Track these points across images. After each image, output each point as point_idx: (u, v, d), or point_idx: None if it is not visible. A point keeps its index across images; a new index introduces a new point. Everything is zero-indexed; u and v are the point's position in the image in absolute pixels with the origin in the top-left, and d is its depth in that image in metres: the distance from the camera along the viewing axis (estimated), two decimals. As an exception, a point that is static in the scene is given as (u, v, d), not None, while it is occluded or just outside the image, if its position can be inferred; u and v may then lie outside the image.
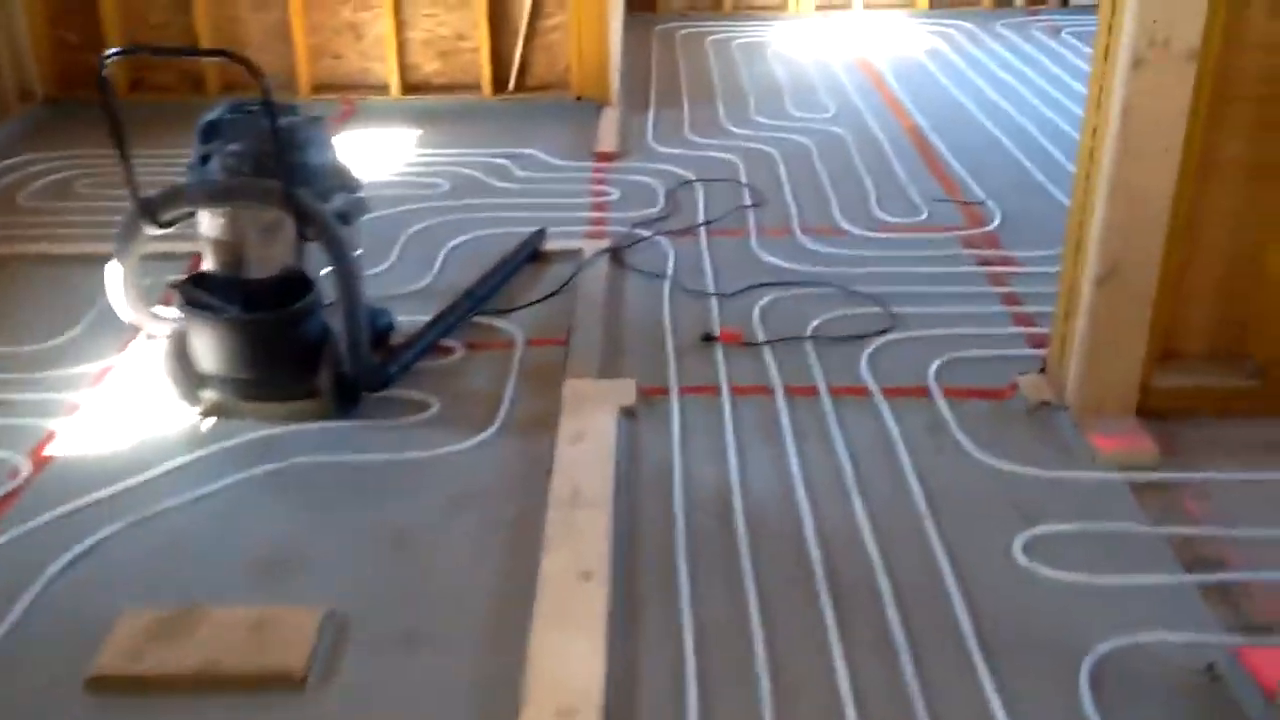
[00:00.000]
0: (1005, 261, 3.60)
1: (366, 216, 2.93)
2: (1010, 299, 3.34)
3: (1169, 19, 2.31)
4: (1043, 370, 2.86)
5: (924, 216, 3.96)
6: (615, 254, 3.66)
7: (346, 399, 2.71)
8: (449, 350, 3.07)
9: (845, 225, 3.91)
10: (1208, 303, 2.74)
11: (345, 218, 2.68)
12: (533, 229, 3.75)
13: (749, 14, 7.15)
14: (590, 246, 3.68)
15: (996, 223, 3.88)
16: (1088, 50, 6.14)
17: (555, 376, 2.91)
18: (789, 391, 2.87)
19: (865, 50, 6.36)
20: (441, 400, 2.82)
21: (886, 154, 4.62)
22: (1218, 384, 2.72)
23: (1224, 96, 2.50)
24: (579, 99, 5.20)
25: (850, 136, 4.85)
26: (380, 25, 5.20)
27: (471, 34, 5.22)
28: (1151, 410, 2.69)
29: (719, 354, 3.05)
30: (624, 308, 3.34)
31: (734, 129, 4.99)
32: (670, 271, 3.56)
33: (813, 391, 2.87)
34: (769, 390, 2.88)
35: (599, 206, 4.12)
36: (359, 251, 2.73)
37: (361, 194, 2.81)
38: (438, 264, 3.61)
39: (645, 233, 3.84)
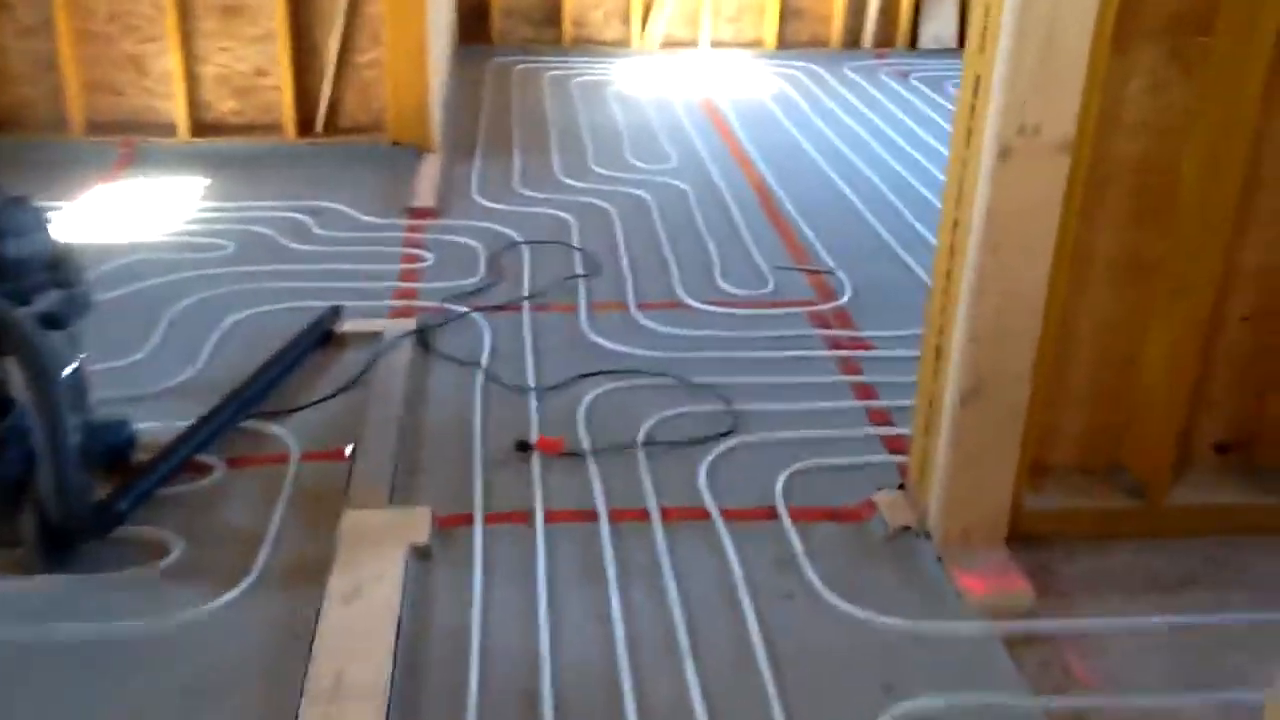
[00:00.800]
0: (857, 344, 3.26)
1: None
2: (864, 392, 2.99)
3: (1040, 103, 1.98)
4: (902, 486, 2.51)
5: (770, 289, 3.60)
6: (422, 336, 3.18)
7: (56, 549, 2.16)
8: (205, 469, 2.54)
9: (685, 298, 3.52)
10: (1079, 409, 2.43)
11: (56, 321, 2.14)
12: (326, 306, 3.25)
13: (591, 49, 6.76)
14: (393, 327, 3.19)
15: (847, 296, 3.55)
16: (936, 97, 5.95)
17: (334, 504, 2.42)
18: (615, 517, 2.44)
19: (710, 91, 6.04)
20: (186, 541, 2.29)
21: (731, 212, 4.27)
22: (1094, 504, 2.41)
23: (1096, 186, 2.20)
24: (396, 144, 4.70)
25: (693, 191, 4.48)
26: (166, 60, 4.61)
27: (273, 69, 4.67)
28: (1023, 534, 2.36)
29: (536, 467, 2.61)
30: (427, 407, 2.87)
31: (569, 180, 4.57)
32: (485, 358, 3.10)
33: (643, 516, 2.45)
34: (592, 515, 2.45)
35: (409, 275, 3.63)
36: (75, 363, 2.20)
37: (84, 288, 2.27)
38: (207, 351, 3.07)
39: (460, 309, 3.37)
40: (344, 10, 4.62)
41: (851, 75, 6.43)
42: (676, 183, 4.57)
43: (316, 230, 3.93)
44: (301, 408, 2.82)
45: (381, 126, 4.75)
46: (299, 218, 4.03)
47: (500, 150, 4.93)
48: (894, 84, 6.25)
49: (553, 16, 6.76)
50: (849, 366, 3.13)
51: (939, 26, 6.87)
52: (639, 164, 4.81)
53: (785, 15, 6.82)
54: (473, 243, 3.88)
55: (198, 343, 3.10)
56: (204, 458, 2.56)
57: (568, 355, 3.14)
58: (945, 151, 5.21)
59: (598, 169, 4.72)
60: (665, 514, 2.45)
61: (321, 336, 3.12)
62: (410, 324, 3.21)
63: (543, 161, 4.80)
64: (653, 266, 3.75)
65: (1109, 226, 2.27)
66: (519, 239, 3.91)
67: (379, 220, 4.06)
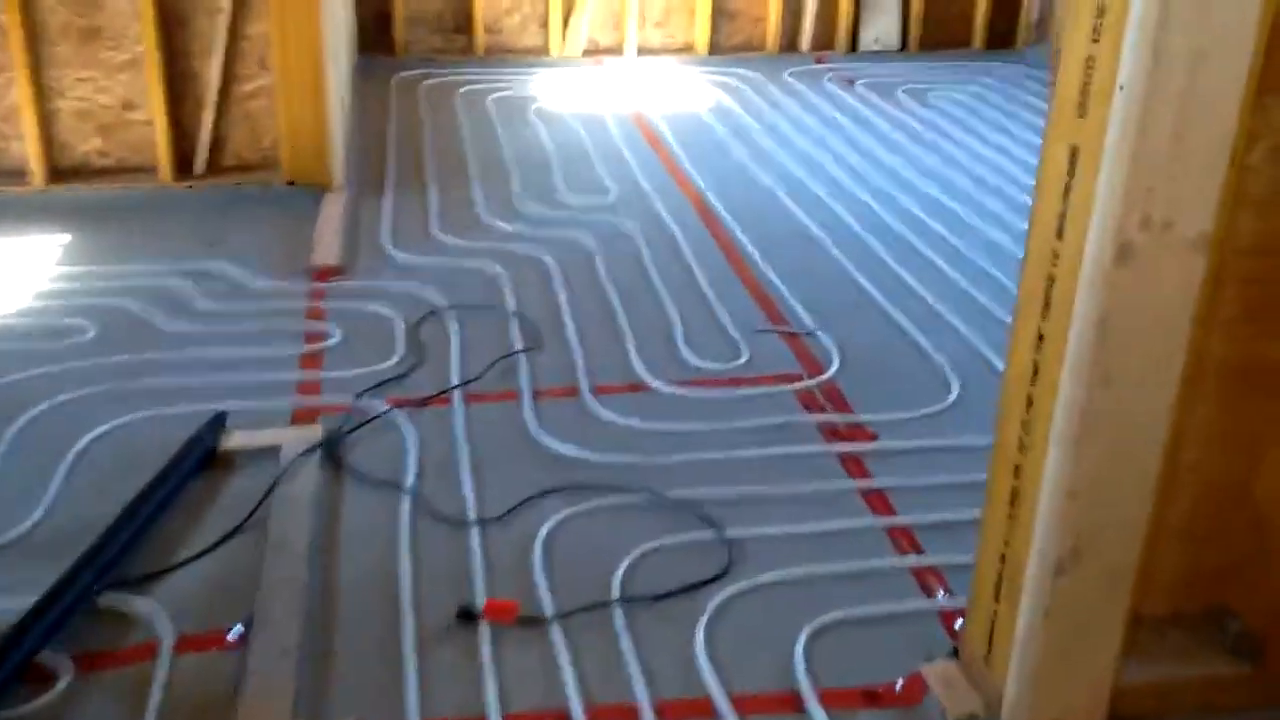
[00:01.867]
0: (857, 431, 2.73)
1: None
2: (878, 502, 2.47)
3: (1174, 187, 1.46)
4: (955, 652, 1.99)
5: (744, 359, 3.06)
6: (331, 449, 2.57)
7: None
8: (46, 677, 1.91)
9: (647, 378, 2.95)
10: (1179, 547, 1.94)
11: None
12: (209, 414, 2.62)
13: (506, 59, 6.14)
14: (294, 439, 2.57)
15: (835, 366, 3.02)
16: (888, 107, 5.47)
17: (221, 718, 1.82)
18: (595, 718, 1.88)
19: (641, 104, 5.48)
20: (14, 808, 1.68)
21: (685, 256, 3.71)
22: (1200, 671, 1.92)
23: (1214, 283, 1.70)
24: (291, 183, 4.05)
25: (639, 231, 3.91)
26: (13, 93, 3.89)
27: (143, 102, 3.98)
28: (1120, 717, 1.86)
29: (485, 645, 2.03)
30: (340, 556, 2.26)
31: (495, 222, 3.97)
32: (411, 476, 2.51)
33: (631, 715, 1.90)
34: (564, 718, 1.88)
35: (312, 359, 3.00)
36: None
37: None
38: (55, 486, 2.42)
39: (376, 406, 2.77)
40: (225, 31, 3.95)
41: (792, 82, 5.91)
42: (619, 221, 4.00)
43: (198, 302, 3.28)
44: (176, 567, 2.19)
45: (274, 164, 4.10)
46: (177, 285, 3.37)
47: (413, 185, 4.31)
48: (840, 92, 5.75)
49: (463, 23, 6.12)
50: (853, 466, 2.59)
51: (880, 28, 6.39)
52: (573, 199, 4.22)
53: (717, 18, 6.28)
54: (387, 311, 3.26)
55: (44, 474, 2.44)
56: (45, 657, 1.93)
57: (513, 465, 2.56)
58: (911, 176, 4.76)
59: (527, 206, 4.13)
60: (660, 711, 1.90)
61: (202, 457, 2.49)
62: (315, 432, 2.60)
63: (462, 198, 4.19)
64: (604, 334, 3.18)
65: (1221, 325, 1.77)
66: (442, 304, 3.31)
67: (274, 284, 3.41)
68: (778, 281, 3.52)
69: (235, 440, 2.56)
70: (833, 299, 3.43)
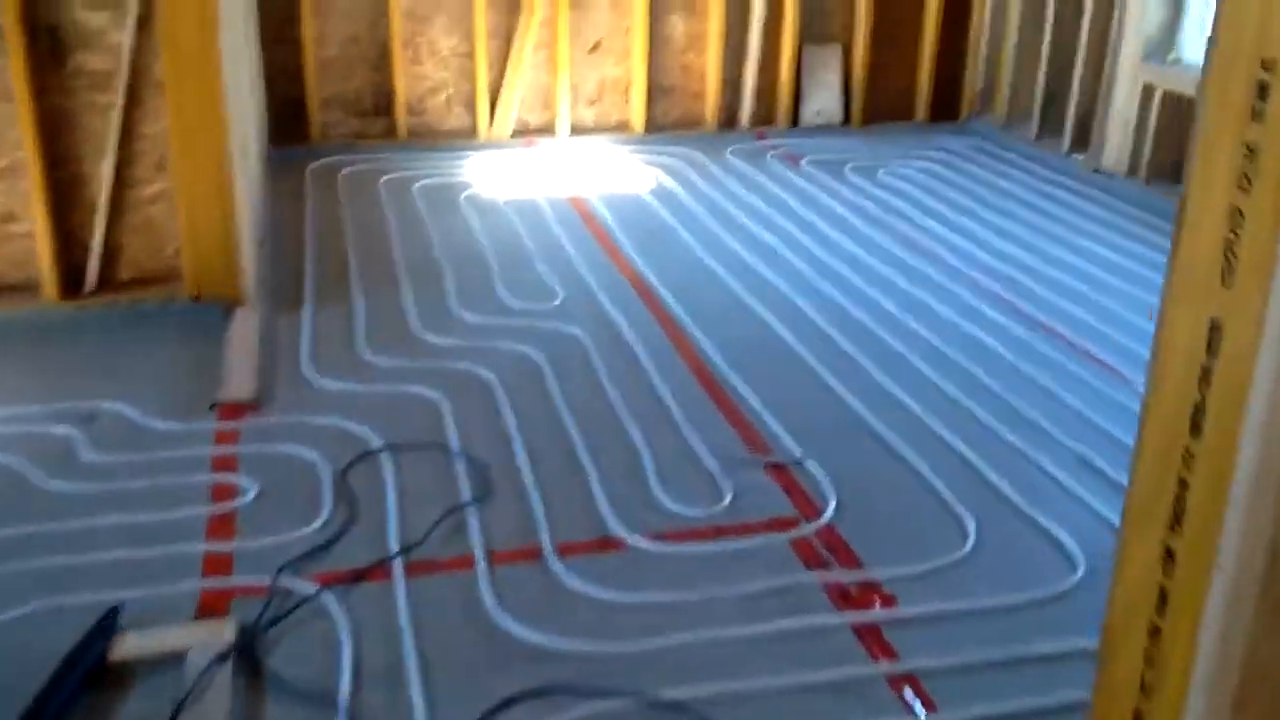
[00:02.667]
0: (872, 593, 2.35)
1: None
2: (911, 689, 2.09)
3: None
4: None
5: (727, 500, 2.68)
6: (247, 652, 2.12)
7: None
8: None
9: (619, 529, 2.55)
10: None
11: None
12: (100, 610, 2.16)
13: (430, 143, 5.76)
14: (202, 641, 2.11)
15: (832, 506, 2.66)
16: (840, 187, 5.19)
17: None
18: None
19: (578, 188, 5.13)
20: None
21: (646, 370, 3.33)
22: None
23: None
24: (197, 298, 3.60)
25: (591, 339, 3.53)
26: None
27: (24, 213, 3.50)
28: None
29: None
30: (262, 808, 1.82)
31: (430, 336, 3.56)
32: (347, 685, 2.07)
33: None
34: None
35: (221, 525, 2.55)
36: None
37: None
38: (-105, 727, 1.95)
39: (301, 587, 2.32)
40: (117, 130, 3.50)
41: (735, 161, 5.62)
42: (568, 328, 3.61)
43: (86, 454, 2.80)
44: (49, 844, 1.73)
45: (176, 276, 3.64)
46: (62, 432, 2.89)
47: (335, 294, 3.88)
48: (786, 171, 5.47)
49: (383, 105, 5.73)
50: (874, 641, 2.21)
51: (822, 101, 6.15)
52: (515, 302, 3.83)
53: (653, 94, 5.98)
54: (310, 454, 2.82)
55: (-121, 710, 1.96)
56: None
57: (470, 661, 2.13)
58: (873, 263, 4.36)
59: (464, 314, 3.72)
60: None
61: (89, 671, 2.03)
62: (227, 629, 2.15)
63: (392, 307, 3.77)
64: (564, 474, 2.78)
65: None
66: (375, 443, 2.88)
67: (176, 426, 2.95)
68: (750, 397, 3.16)
69: (130, 646, 2.10)
70: (815, 416, 3.07)
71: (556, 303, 3.84)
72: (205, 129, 3.44)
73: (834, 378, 3.29)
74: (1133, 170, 5.08)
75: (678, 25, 5.94)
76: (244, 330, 3.46)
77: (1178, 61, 4.98)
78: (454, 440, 2.91)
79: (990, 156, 5.75)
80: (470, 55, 5.73)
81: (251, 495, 2.64)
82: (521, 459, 2.83)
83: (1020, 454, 2.91)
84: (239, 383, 3.13)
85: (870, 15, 6.03)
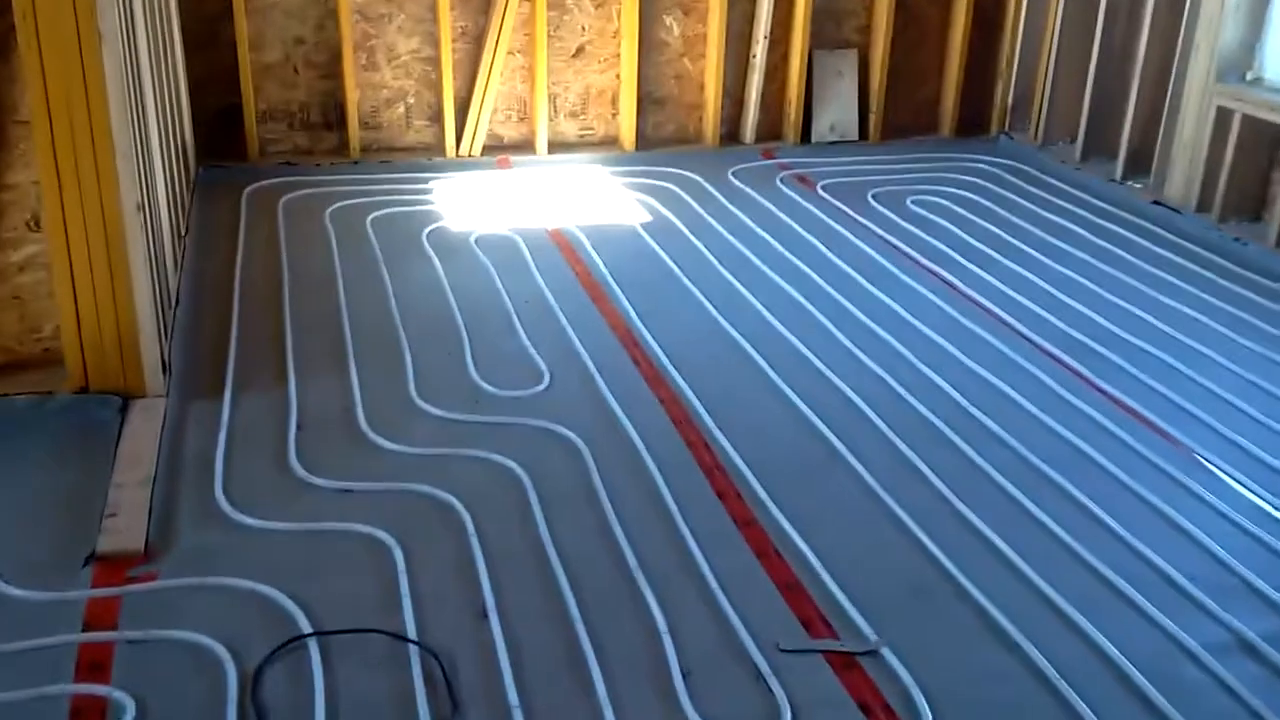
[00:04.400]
0: None
1: None
2: None
3: None
4: None
5: (784, 711, 1.96)
6: None
7: None
8: None
9: (641, 779, 1.84)
10: None
11: None
12: None
13: (389, 161, 4.98)
14: None
15: (930, 726, 1.96)
16: (862, 219, 4.46)
17: None
18: None
19: (560, 218, 4.38)
20: None
21: (660, 496, 2.58)
22: None
23: None
24: (84, 390, 2.83)
25: (586, 445, 2.78)
26: None
27: None
28: None
29: None
30: None
31: (381, 440, 2.80)
32: None
33: None
34: None
35: (78, 780, 1.81)
36: None
37: None
38: None
39: None
40: (-26, 175, 2.73)
41: (740, 185, 4.88)
42: (558, 430, 2.86)
43: (-102, 650, 2.04)
44: None
45: (55, 363, 2.86)
46: None
47: (264, 375, 3.10)
48: (798, 198, 4.74)
49: (332, 117, 4.94)
50: None
51: (836, 115, 5.41)
52: (491, 388, 3.08)
53: (644, 105, 5.22)
54: (211, 643, 2.05)
55: None
56: None
57: None
58: (922, 325, 3.56)
59: (428, 406, 2.97)
60: None
61: None
62: None
63: (336, 396, 3.00)
64: (561, 678, 2.03)
65: None
66: (302, 626, 2.12)
67: (35, 596, 2.17)
68: (799, 540, 2.42)
69: None
70: (888, 573, 2.34)
71: (543, 386, 3.09)
72: (91, 175, 2.66)
73: (906, 512, 2.55)
74: (1203, 206, 4.39)
75: (672, 28, 5.18)
76: (141, 437, 2.69)
77: (1259, 81, 4.29)
78: (408, 617, 2.16)
79: (1029, 181, 5.03)
80: (434, 61, 4.94)
81: (129, 716, 1.89)
82: (499, 647, 2.09)
83: (1172, 640, 2.20)
84: (126, 524, 2.36)
85: (890, 17, 5.29)
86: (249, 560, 2.31)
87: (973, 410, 3.03)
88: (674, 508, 2.54)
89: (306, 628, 2.11)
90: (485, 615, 2.16)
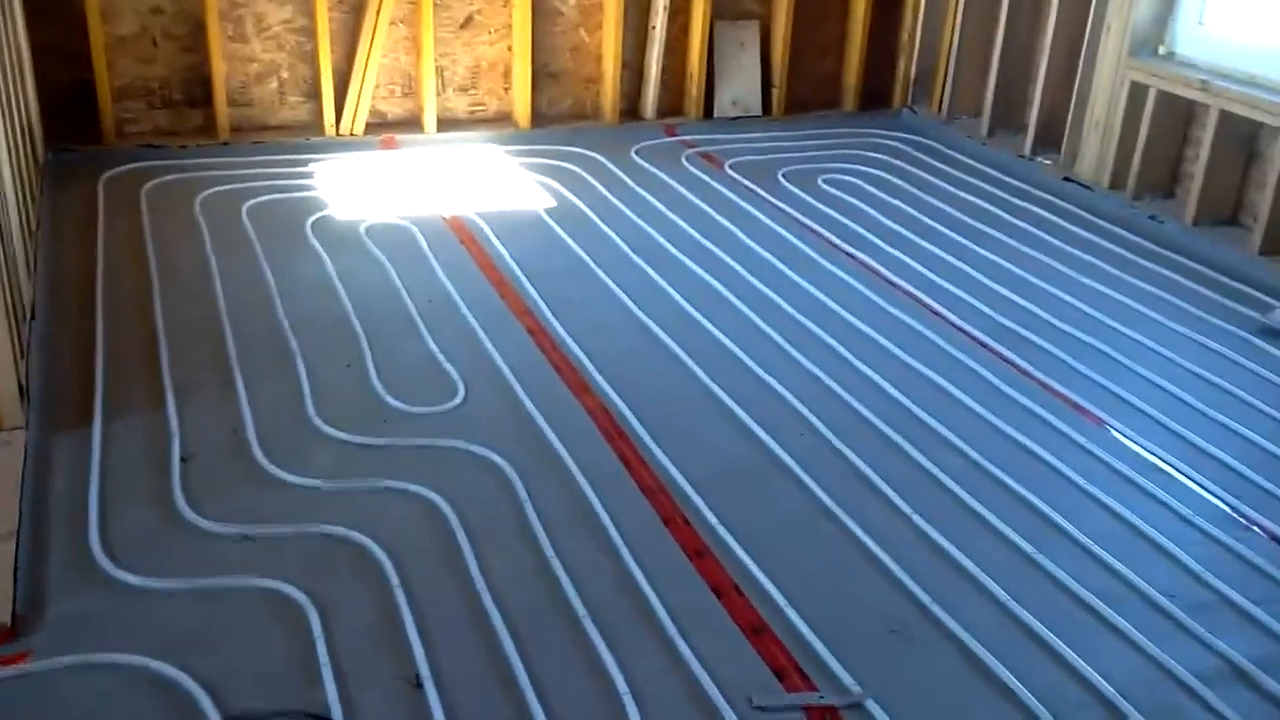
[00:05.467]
0: None
1: None
2: None
3: None
4: None
5: (772, 791, 1.76)
6: None
7: None
8: None
9: None
10: None
11: None
12: None
13: (261, 140, 4.56)
14: None
15: (929, 792, 1.78)
16: (776, 201, 4.27)
17: None
18: None
19: (457, 205, 4.07)
20: None
21: (603, 527, 2.33)
22: None
23: None
24: (-75, 426, 2.44)
25: (513, 469, 2.51)
26: None
27: None
28: None
29: None
30: None
31: (277, 470, 2.47)
32: None
33: None
34: None
35: None
36: None
37: None
38: None
39: None
40: None
41: (644, 165, 4.63)
42: (480, 452, 2.58)
43: None
44: None
45: (-112, 394, 2.46)
46: None
47: (139, 395, 2.73)
48: (706, 177, 4.52)
49: (197, 94, 4.51)
50: None
51: (739, 89, 5.20)
52: (400, 403, 2.78)
53: (538, 80, 4.92)
54: (101, 740, 1.76)
55: None
56: None
57: None
58: (856, 321, 3.30)
59: (329, 429, 2.65)
60: None
61: None
62: None
63: (222, 418, 2.66)
64: (511, 750, 1.80)
65: None
66: (209, 713, 1.82)
67: (-128, 693, 1.84)
68: (759, 574, 2.20)
69: None
70: (861, 609, 2.14)
71: (457, 400, 2.81)
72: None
73: (867, 533, 2.36)
74: (1117, 183, 4.32)
75: (567, -4, 4.90)
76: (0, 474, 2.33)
77: (1170, 56, 4.23)
78: (330, 691, 1.87)
79: (937, 157, 4.91)
80: (309, 31, 4.54)
81: None
82: (434, 711, 1.83)
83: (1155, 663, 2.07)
84: (-18, 596, 2.01)
85: (792, -14, 5.11)
86: (137, 629, 1.99)
87: (915, 410, 2.86)
88: (617, 538, 2.30)
89: (213, 714, 1.80)
90: (419, 684, 1.90)
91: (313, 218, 3.91)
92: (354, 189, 4.20)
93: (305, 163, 4.43)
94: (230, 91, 4.54)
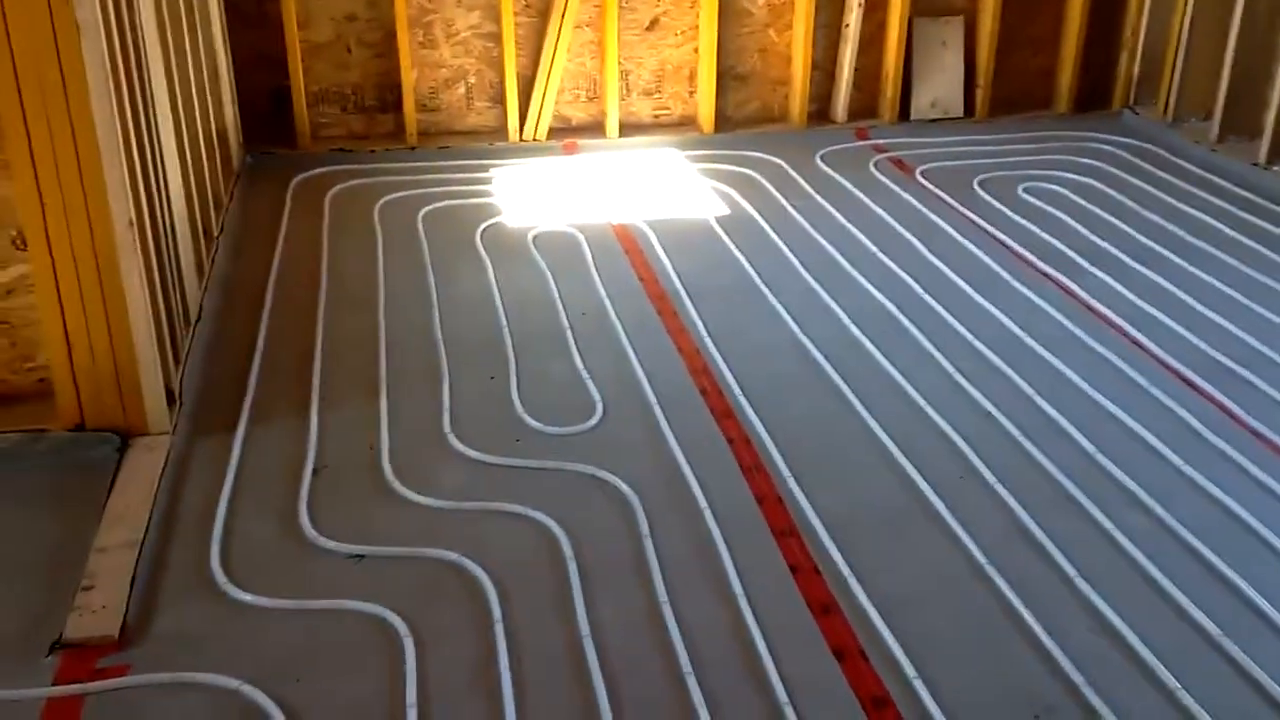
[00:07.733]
0: None
1: None
2: None
3: None
4: None
5: None
6: None
7: None
8: None
9: None
10: None
11: None
12: None
13: (447, 145, 4.61)
14: None
15: None
16: (968, 212, 3.96)
17: None
18: None
19: (627, 213, 3.97)
20: None
21: (721, 564, 2.18)
22: None
23: None
24: (79, 428, 2.52)
25: (635, 495, 2.39)
26: None
27: None
28: None
29: None
30: None
31: (404, 487, 2.44)
32: None
33: None
34: None
35: None
36: None
37: None
38: None
39: None
40: (-46, 187, 2.42)
41: (829, 171, 4.40)
42: (608, 478, 2.46)
43: None
44: None
45: (46, 397, 2.55)
46: None
47: (285, 405, 2.76)
48: (894, 185, 4.24)
49: (389, 99, 4.59)
50: None
51: (939, 90, 4.89)
52: (536, 423, 2.70)
53: (724, 82, 4.77)
54: (182, 766, 1.75)
55: None
56: None
57: None
58: (1056, 359, 2.90)
59: (462, 446, 2.59)
60: None
61: None
62: None
63: (360, 431, 2.64)
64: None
65: None
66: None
67: (-16, 696, 1.89)
68: (890, 640, 1.97)
69: None
70: (1008, 696, 1.91)
71: (593, 421, 2.70)
72: (72, 189, 2.33)
73: (1023, 602, 2.11)
74: (1370, 197, 3.80)
75: (757, -5, 4.72)
76: (134, 485, 2.37)
77: None
78: (415, 737, 1.81)
79: (1158, 165, 4.46)
80: (496, 37, 4.55)
81: None
82: (521, 782, 1.72)
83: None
84: (103, 600, 2.03)
85: (1001, -20, 4.75)
86: (237, 649, 1.97)
87: (1098, 456, 2.55)
88: (738, 586, 2.14)
89: (289, 750, 1.77)
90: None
91: (484, 225, 3.90)
92: (529, 195, 4.17)
93: (486, 168, 4.43)
94: (419, 97, 4.60)
